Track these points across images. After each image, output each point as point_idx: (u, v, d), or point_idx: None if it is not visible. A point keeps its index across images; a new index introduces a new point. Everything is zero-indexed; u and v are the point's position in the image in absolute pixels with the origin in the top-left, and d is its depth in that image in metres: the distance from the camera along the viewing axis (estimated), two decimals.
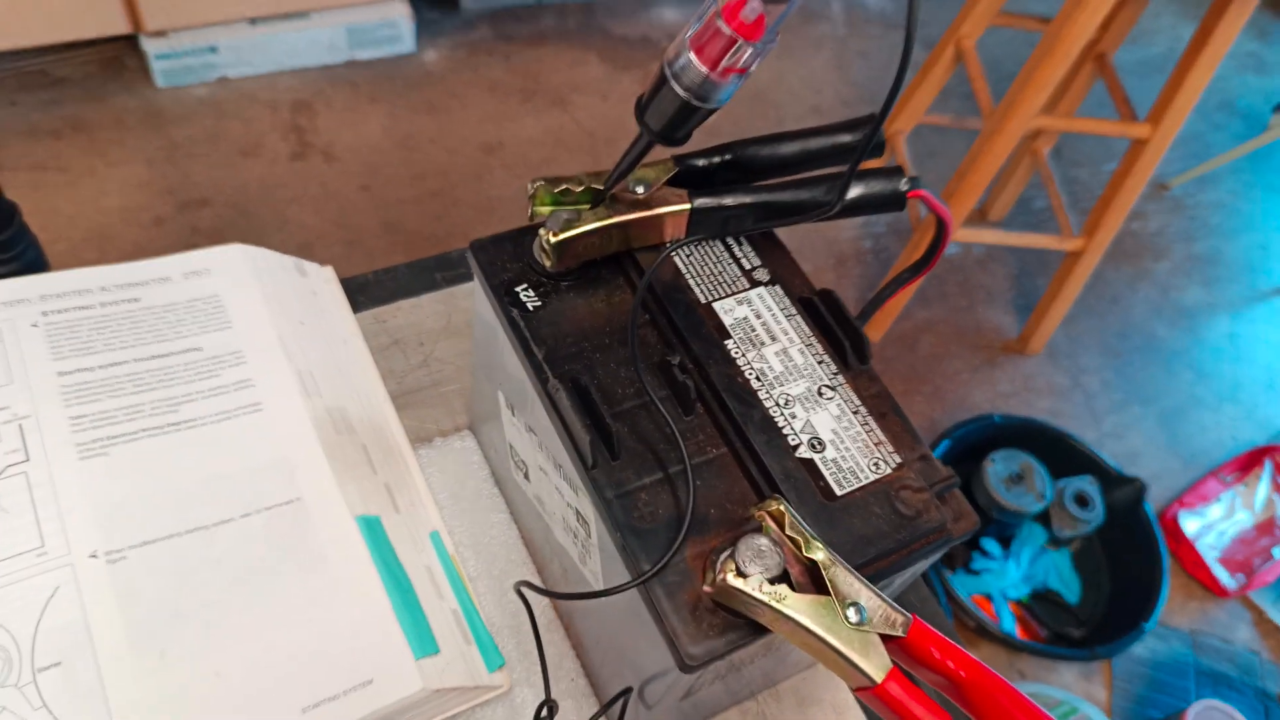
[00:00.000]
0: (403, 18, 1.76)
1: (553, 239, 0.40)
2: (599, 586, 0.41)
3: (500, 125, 1.74)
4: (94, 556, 0.42)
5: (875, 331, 1.56)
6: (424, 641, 0.43)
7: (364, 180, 1.62)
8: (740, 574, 0.33)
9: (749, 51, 0.34)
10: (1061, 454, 1.39)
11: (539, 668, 0.41)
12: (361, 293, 0.59)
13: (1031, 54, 1.23)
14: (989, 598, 1.32)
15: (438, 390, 0.56)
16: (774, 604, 0.32)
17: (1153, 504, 1.41)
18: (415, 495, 0.50)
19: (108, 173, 1.55)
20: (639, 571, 0.35)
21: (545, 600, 0.50)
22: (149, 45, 1.62)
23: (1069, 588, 1.36)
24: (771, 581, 0.33)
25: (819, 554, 0.33)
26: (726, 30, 0.33)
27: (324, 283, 0.58)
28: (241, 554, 0.44)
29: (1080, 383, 1.61)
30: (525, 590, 0.37)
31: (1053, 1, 2.14)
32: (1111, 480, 1.36)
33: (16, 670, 0.39)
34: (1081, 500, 1.30)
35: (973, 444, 1.39)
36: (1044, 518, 1.32)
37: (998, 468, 1.29)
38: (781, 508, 0.34)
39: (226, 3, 1.61)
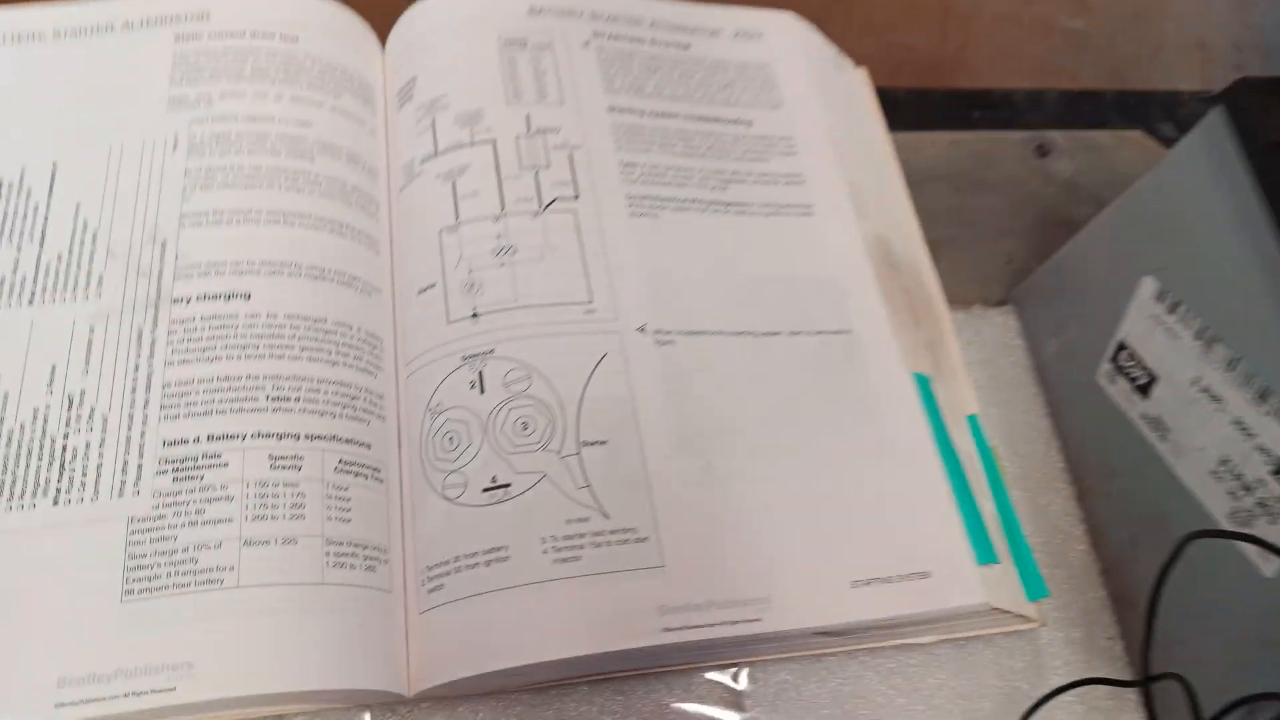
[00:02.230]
0: None
1: None
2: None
3: None
4: (642, 331, 0.36)
5: None
6: (983, 547, 0.35)
7: None
8: None
9: None
10: None
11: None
12: (891, 112, 0.50)
13: None
14: None
15: (967, 248, 0.47)
16: None
17: None
18: (953, 366, 0.42)
19: None
20: None
21: (1061, 514, 0.41)
22: None
23: None
24: None
25: None
26: None
27: (859, 86, 0.49)
28: (791, 379, 0.37)
29: None
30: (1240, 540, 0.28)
31: None
32: None
33: (560, 437, 0.33)
34: None
35: None
36: None
37: None
38: None
39: None
